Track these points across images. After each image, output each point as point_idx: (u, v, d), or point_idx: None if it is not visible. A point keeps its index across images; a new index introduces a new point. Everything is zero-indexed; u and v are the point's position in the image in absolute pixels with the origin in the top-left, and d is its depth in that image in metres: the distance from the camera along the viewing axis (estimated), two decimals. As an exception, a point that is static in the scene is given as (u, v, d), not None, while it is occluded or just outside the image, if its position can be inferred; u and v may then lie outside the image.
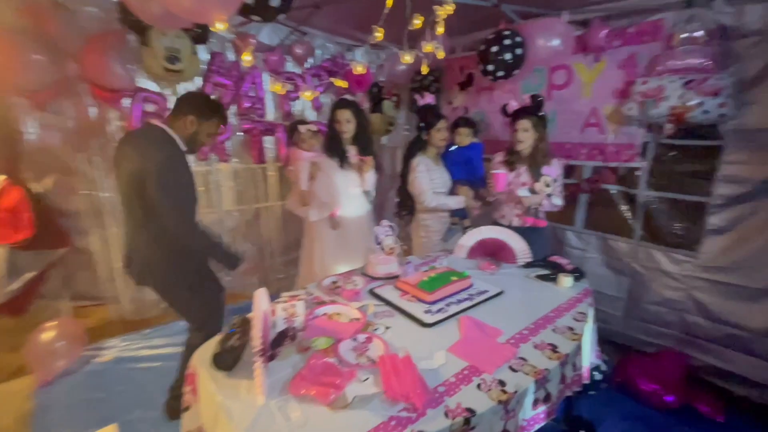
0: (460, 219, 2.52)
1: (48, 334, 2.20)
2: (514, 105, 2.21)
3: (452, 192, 2.47)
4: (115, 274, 2.63)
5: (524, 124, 2.15)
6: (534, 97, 2.15)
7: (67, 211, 2.44)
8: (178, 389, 1.74)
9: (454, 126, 2.52)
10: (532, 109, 2.15)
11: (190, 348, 1.80)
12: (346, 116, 2.27)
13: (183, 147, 1.66)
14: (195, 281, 1.76)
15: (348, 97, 2.56)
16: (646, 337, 2.48)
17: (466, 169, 2.53)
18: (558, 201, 2.21)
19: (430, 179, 2.37)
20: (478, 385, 1.10)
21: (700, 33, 1.97)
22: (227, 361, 1.14)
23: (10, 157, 2.05)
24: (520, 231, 2.08)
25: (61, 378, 2.21)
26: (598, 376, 1.78)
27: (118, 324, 2.70)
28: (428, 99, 2.52)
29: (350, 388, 1.06)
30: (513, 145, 2.23)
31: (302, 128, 2.38)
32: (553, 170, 2.19)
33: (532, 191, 2.15)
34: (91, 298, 2.67)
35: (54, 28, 2.12)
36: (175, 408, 1.62)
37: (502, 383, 1.11)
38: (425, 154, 2.44)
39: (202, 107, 1.68)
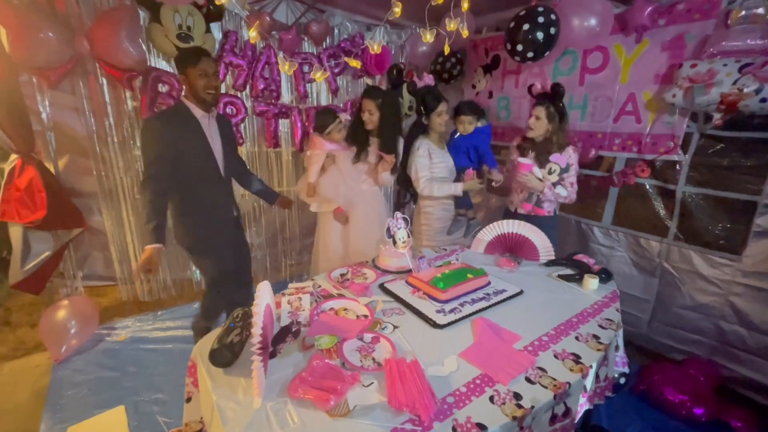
0: (465, 210, 2.36)
1: (61, 312, 2.23)
2: (538, 87, 2.13)
3: (458, 179, 2.29)
4: (129, 254, 2.64)
5: (537, 111, 2.09)
6: (555, 86, 2.06)
7: (81, 191, 2.44)
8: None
9: (456, 113, 2.27)
10: (550, 97, 2.07)
11: (201, 305, 2.09)
12: (369, 107, 2.14)
13: (199, 112, 1.72)
14: (204, 245, 1.88)
15: (380, 86, 2.41)
16: (674, 344, 2.33)
17: (471, 157, 2.32)
18: (563, 192, 2.08)
19: (430, 164, 2.23)
20: (491, 398, 1.01)
21: (761, 10, 1.74)
22: (225, 357, 1.08)
23: (23, 137, 2.04)
24: (528, 219, 2.02)
25: (76, 356, 2.25)
26: (621, 380, 1.66)
27: (132, 304, 2.74)
28: (427, 80, 2.36)
29: (352, 394, 0.98)
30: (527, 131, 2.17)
31: (343, 116, 2.23)
32: (563, 159, 2.06)
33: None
34: (105, 278, 2.70)
35: (65, 4, 2.07)
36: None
37: (517, 396, 1.02)
38: (427, 138, 2.27)
39: (179, 61, 1.70)
